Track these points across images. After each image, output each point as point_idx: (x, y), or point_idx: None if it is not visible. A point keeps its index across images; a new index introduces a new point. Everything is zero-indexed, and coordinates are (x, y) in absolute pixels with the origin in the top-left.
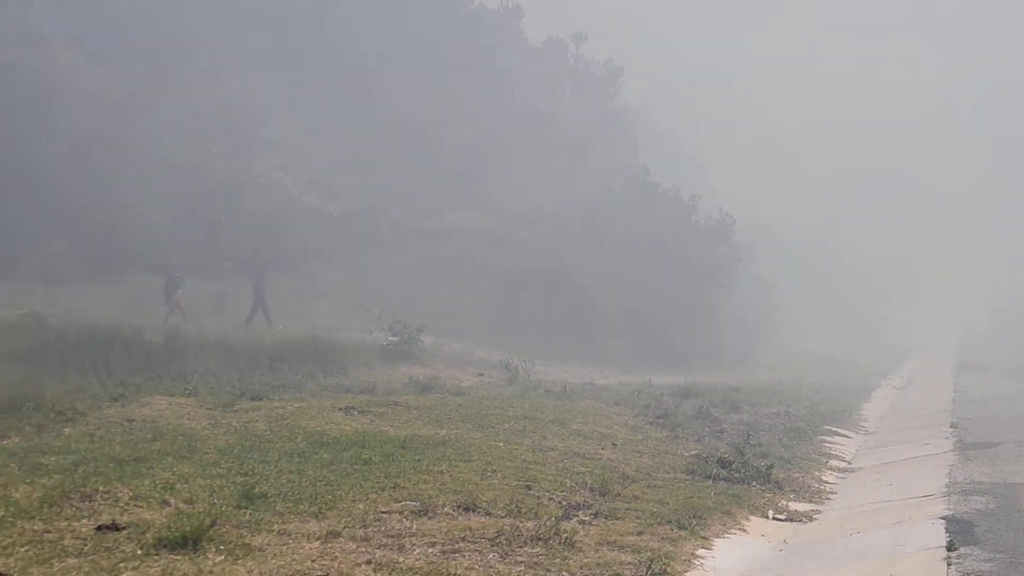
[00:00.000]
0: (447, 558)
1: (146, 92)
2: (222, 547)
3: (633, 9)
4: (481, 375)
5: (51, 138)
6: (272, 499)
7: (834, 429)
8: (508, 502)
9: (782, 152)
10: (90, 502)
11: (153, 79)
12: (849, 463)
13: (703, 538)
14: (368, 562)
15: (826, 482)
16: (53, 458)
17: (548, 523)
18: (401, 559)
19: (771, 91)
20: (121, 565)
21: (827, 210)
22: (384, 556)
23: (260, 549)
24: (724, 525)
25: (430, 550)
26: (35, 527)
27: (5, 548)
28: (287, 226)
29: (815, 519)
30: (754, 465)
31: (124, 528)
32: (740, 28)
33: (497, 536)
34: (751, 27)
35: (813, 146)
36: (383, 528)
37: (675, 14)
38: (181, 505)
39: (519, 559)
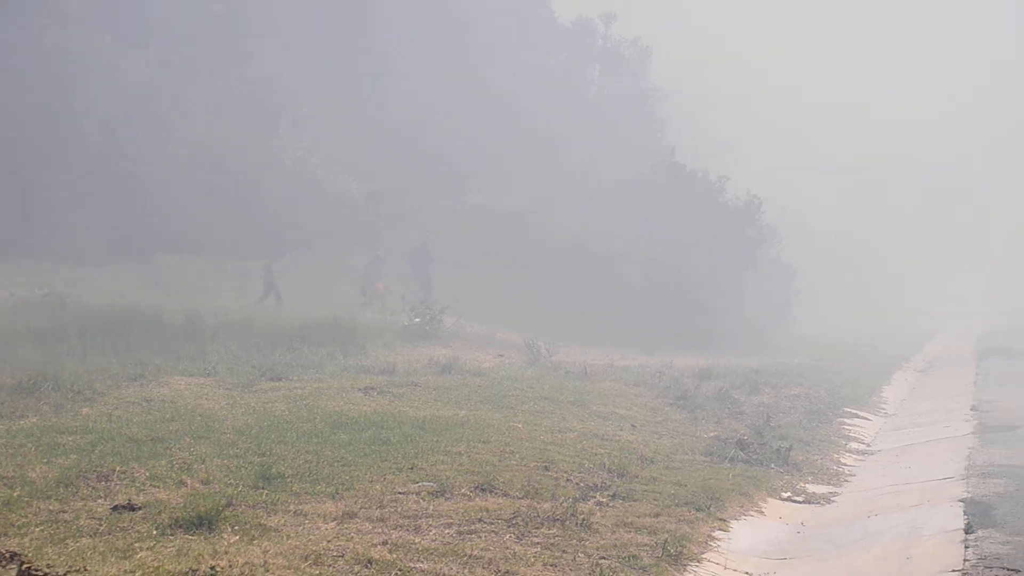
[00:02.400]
0: (463, 539)
1: (177, 71)
2: (237, 527)
3: None
4: (502, 356)
5: (79, 118)
6: (289, 480)
7: (854, 412)
8: (525, 483)
9: (811, 133)
10: (106, 482)
11: (184, 57)
12: (868, 446)
13: (720, 520)
14: (384, 543)
15: (845, 464)
16: (70, 438)
17: (565, 504)
18: (417, 540)
19: (803, 70)
20: (136, 545)
21: (853, 194)
22: (400, 537)
23: (276, 529)
24: (742, 507)
25: (446, 531)
26: (51, 507)
27: (20, 528)
28: (311, 207)
29: (833, 501)
30: (773, 447)
31: (140, 508)
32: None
33: (513, 517)
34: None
35: (844, 129)
36: (399, 509)
37: None
38: (197, 485)
39: (535, 540)
